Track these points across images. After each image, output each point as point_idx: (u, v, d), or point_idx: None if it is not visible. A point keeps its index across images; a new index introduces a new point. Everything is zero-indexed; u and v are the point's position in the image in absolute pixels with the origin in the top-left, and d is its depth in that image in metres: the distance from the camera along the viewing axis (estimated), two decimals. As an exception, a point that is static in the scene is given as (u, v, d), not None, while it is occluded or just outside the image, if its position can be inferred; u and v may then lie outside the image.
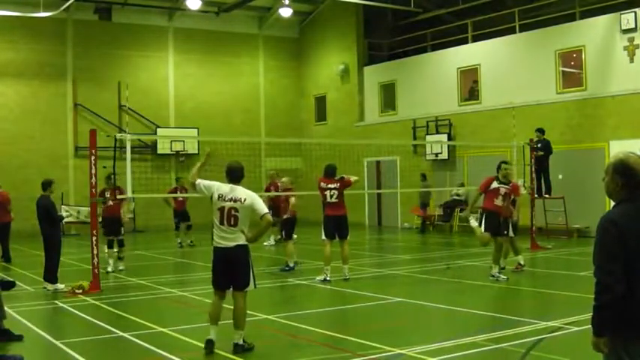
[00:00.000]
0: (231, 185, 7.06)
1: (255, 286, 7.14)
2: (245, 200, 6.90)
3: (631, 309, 3.50)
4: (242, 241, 6.93)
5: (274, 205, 15.82)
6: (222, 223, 6.92)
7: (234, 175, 7.12)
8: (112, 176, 13.68)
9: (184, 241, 18.99)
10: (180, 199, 18.63)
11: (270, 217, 7.00)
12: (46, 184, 11.74)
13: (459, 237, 20.79)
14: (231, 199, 6.91)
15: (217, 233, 6.97)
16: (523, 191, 13.84)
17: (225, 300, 7.20)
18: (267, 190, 17.49)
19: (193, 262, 15.98)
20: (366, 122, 26.60)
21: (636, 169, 3.61)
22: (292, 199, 14.22)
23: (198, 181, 7.21)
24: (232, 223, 6.88)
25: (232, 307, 7.10)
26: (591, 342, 3.58)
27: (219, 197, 6.96)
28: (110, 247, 13.88)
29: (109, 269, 13.55)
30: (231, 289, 7.10)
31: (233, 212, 6.87)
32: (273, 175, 18.30)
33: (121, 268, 13.86)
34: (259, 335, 7.56)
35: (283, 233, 14.29)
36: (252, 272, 7.07)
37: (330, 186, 12.04)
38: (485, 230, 11.77)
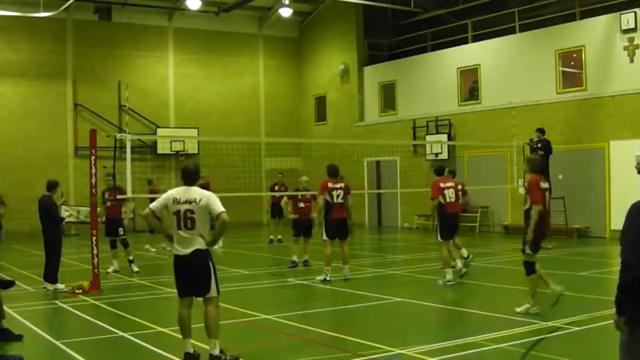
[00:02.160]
0: (185, 187, 6.76)
1: (217, 293, 6.72)
2: (200, 200, 6.57)
3: None
4: (200, 245, 6.59)
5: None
6: (179, 227, 6.61)
7: (189, 177, 6.78)
8: (112, 176, 13.63)
9: None
10: None
11: (225, 216, 6.51)
12: (52, 186, 11.63)
13: (458, 237, 20.73)
14: (186, 201, 6.59)
15: (175, 239, 6.69)
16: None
17: (193, 308, 6.84)
18: (272, 189, 17.63)
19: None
20: (366, 122, 26.59)
21: None
22: (320, 200, 14.28)
23: (149, 208, 6.82)
24: (190, 225, 6.56)
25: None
26: (613, 320, 3.78)
27: (174, 201, 6.66)
28: (113, 247, 13.86)
29: (109, 270, 13.52)
30: (195, 296, 6.79)
31: (189, 214, 6.56)
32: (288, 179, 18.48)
33: (136, 270, 13.57)
34: (260, 335, 7.56)
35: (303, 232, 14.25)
36: (215, 277, 6.70)
37: (336, 186, 11.98)
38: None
